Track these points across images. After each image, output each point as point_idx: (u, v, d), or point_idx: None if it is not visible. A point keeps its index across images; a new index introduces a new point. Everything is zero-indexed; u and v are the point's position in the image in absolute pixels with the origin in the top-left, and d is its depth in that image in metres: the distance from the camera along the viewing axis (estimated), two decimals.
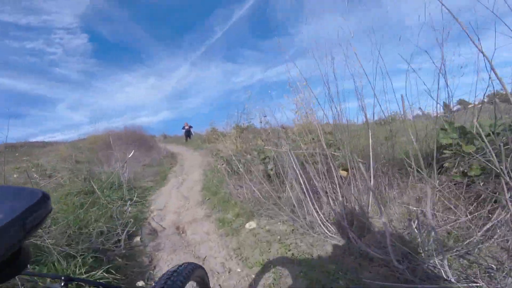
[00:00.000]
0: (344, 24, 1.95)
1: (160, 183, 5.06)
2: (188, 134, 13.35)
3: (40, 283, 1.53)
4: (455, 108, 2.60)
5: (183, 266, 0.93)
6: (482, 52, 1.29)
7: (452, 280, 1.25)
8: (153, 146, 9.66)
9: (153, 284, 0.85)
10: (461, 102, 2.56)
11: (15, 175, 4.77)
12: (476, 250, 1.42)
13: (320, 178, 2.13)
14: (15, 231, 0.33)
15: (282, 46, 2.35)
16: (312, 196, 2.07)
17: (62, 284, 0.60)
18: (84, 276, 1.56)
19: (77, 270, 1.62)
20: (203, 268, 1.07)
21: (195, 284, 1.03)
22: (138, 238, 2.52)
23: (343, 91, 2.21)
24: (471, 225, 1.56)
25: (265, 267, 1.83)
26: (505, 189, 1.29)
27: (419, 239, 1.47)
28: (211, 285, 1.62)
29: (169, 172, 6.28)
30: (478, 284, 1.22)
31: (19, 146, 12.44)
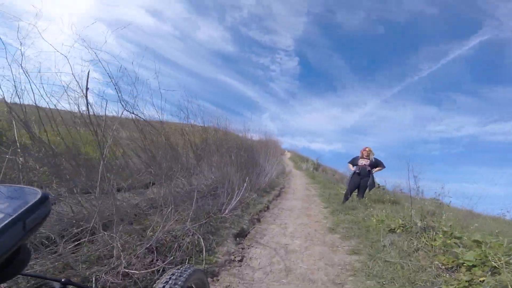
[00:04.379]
0: None
1: None
2: (366, 180, 4.78)
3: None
4: None
5: (182, 268, 0.92)
6: None
7: None
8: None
9: (154, 286, 0.85)
10: None
11: None
12: None
13: None
14: (15, 231, 0.33)
15: None
16: None
17: (61, 286, 0.60)
18: None
19: None
20: (202, 271, 1.07)
21: (194, 287, 1.02)
22: None
23: None
24: None
25: None
26: None
27: None
28: None
29: None
30: None
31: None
